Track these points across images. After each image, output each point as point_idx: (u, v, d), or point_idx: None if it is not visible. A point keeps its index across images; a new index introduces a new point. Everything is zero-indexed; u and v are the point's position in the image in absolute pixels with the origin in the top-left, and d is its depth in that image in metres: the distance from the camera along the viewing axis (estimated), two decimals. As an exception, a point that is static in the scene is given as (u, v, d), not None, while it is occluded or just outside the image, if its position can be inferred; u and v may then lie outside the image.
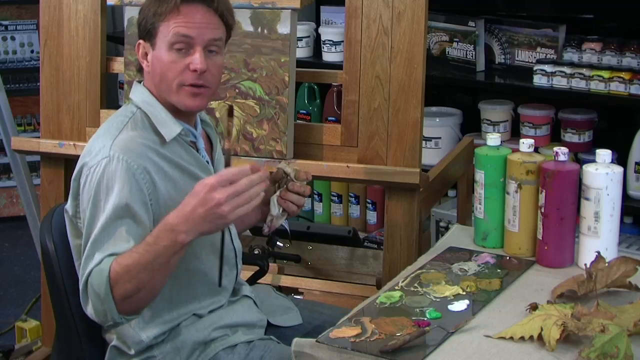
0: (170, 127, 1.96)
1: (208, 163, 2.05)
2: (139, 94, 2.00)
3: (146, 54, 1.97)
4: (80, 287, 1.81)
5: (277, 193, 2.04)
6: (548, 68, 3.22)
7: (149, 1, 1.95)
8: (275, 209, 2.04)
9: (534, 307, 1.78)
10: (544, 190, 2.05)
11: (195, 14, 1.92)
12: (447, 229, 2.98)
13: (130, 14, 2.67)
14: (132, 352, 1.97)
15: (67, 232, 1.98)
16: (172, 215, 1.76)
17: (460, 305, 1.87)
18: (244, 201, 1.74)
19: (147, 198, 1.87)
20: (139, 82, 2.03)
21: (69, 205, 1.96)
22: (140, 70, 2.03)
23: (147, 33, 1.95)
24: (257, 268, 2.55)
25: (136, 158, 1.87)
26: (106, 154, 1.87)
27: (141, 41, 1.98)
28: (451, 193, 3.51)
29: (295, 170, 2.00)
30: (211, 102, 2.49)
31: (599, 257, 1.91)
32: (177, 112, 1.98)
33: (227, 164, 2.09)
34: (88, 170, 1.88)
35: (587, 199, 2.03)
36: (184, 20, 1.91)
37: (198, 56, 1.91)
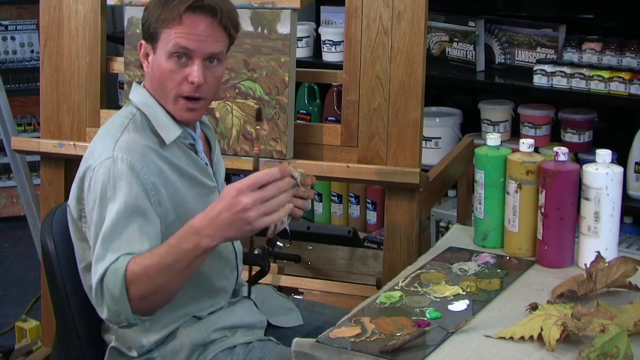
0: (170, 130, 1.95)
1: (207, 165, 2.05)
2: (138, 95, 1.98)
3: (147, 55, 1.96)
4: (94, 287, 1.74)
5: None
6: (548, 68, 3.21)
7: (154, 3, 1.91)
8: None
9: (534, 307, 1.78)
10: (544, 190, 2.05)
11: (197, 26, 1.88)
12: (447, 229, 2.98)
13: (130, 14, 2.66)
14: (132, 354, 1.97)
15: (71, 235, 1.96)
16: (198, 218, 1.69)
17: (460, 305, 1.87)
18: (271, 209, 1.67)
19: (152, 199, 1.85)
20: (139, 82, 2.02)
21: (73, 209, 1.93)
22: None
23: (150, 36, 1.92)
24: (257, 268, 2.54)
25: (139, 159, 1.85)
26: (109, 154, 1.84)
27: (143, 42, 1.96)
28: (451, 193, 3.50)
29: (301, 174, 2.00)
30: (211, 102, 2.49)
31: (599, 257, 1.91)
32: None
33: (256, 169, 2.00)
34: (92, 172, 1.84)
35: (587, 199, 2.03)
36: (185, 31, 1.87)
37: (196, 69, 1.88)
